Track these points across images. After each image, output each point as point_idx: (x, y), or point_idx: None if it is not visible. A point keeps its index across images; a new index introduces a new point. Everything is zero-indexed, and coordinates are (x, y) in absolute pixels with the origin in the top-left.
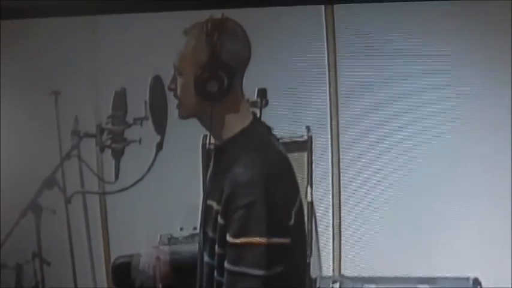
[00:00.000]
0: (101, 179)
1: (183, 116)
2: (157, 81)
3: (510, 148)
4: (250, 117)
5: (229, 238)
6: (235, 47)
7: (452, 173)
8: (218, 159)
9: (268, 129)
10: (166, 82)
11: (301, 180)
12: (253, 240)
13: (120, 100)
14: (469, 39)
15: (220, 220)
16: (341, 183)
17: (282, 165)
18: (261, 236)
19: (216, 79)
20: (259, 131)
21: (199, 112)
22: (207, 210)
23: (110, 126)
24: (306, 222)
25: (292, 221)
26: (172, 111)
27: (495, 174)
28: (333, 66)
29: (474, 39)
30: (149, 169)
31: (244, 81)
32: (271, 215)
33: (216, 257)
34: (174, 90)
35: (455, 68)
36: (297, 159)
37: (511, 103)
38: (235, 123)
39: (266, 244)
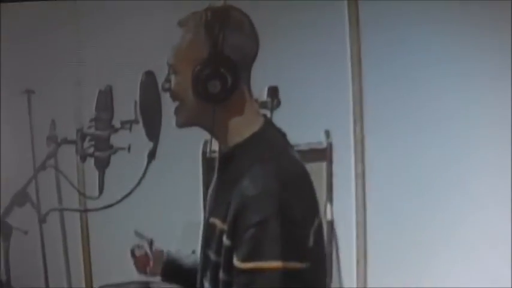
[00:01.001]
0: (82, 194)
1: (181, 123)
2: (149, 77)
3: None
4: (261, 120)
5: (237, 262)
6: (240, 40)
7: (489, 184)
8: (223, 169)
9: (282, 134)
10: (160, 78)
11: (320, 195)
12: (267, 265)
13: (105, 100)
14: (495, 33)
15: (226, 241)
16: (366, 198)
17: (300, 176)
18: (275, 260)
19: (218, 78)
20: (272, 136)
21: (200, 116)
22: (209, 229)
23: (93, 130)
24: (326, 244)
25: (310, 242)
26: (167, 113)
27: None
28: (357, 62)
29: (500, 33)
30: (139, 182)
31: (252, 79)
32: (287, 235)
33: (220, 285)
34: (170, 90)
35: (485, 63)
36: (314, 171)
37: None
38: (243, 127)
39: (282, 269)
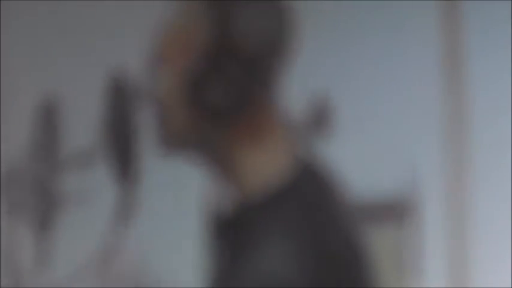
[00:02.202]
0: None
1: (167, 144)
2: (117, 86)
3: None
4: (293, 158)
5: None
6: (259, 19)
7: None
8: (226, 241)
9: (327, 181)
10: (134, 87)
11: (398, 279)
12: None
13: (47, 123)
14: None
15: None
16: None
17: (345, 258)
18: None
19: (223, 77)
20: (309, 186)
21: (193, 140)
22: None
23: (27, 170)
24: None
25: None
26: (148, 142)
27: None
28: (456, 64)
29: None
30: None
31: (282, 82)
32: None
33: None
34: (150, 94)
35: None
36: (387, 238)
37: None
38: (260, 171)
39: None
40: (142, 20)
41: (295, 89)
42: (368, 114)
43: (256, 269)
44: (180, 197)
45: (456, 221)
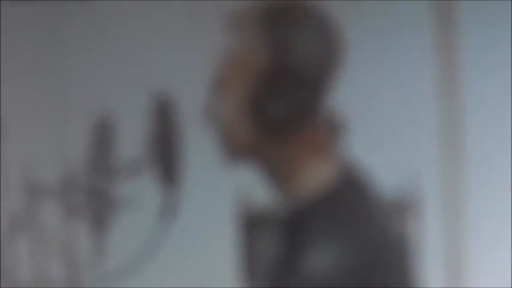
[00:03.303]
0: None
1: (231, 157)
2: (163, 105)
3: None
4: (338, 162)
5: None
6: (319, 42)
7: None
8: (284, 235)
9: (363, 180)
10: (180, 104)
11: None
12: None
13: (102, 136)
14: None
15: None
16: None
17: (389, 250)
18: None
19: (281, 99)
20: (349, 186)
21: (254, 151)
22: None
23: (85, 177)
24: None
25: None
26: (191, 155)
27: None
28: (456, 61)
29: None
30: (149, 250)
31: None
32: None
33: None
34: (215, 116)
35: None
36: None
37: None
38: (313, 174)
39: None
40: (193, 42)
41: None
42: (368, 118)
43: (311, 266)
44: (221, 201)
45: (453, 221)
